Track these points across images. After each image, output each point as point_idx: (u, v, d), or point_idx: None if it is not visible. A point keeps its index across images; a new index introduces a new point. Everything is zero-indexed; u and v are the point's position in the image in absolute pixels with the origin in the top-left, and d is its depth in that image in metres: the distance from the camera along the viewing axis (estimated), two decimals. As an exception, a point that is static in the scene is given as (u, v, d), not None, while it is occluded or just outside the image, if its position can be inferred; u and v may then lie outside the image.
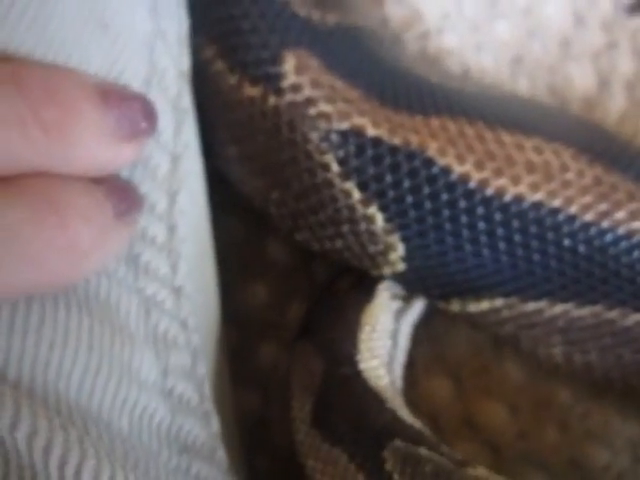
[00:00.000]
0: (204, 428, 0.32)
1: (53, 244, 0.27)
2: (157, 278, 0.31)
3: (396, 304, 0.37)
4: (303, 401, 0.34)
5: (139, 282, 0.31)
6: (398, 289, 0.37)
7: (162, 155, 0.32)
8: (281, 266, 0.41)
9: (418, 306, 0.38)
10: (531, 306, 0.35)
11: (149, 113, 0.29)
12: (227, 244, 0.38)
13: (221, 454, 0.32)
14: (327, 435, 0.33)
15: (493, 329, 0.37)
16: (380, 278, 0.36)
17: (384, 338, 0.36)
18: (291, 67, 0.33)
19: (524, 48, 0.41)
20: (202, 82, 0.34)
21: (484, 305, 0.36)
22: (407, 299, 0.37)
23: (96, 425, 0.28)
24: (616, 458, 0.39)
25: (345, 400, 0.33)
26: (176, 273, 0.32)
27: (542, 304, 0.35)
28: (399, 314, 0.37)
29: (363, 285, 0.37)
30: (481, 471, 0.30)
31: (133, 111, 0.28)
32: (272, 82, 0.33)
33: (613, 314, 0.35)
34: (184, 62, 0.33)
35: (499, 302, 0.36)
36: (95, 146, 0.27)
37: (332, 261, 0.38)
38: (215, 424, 0.32)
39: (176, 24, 0.32)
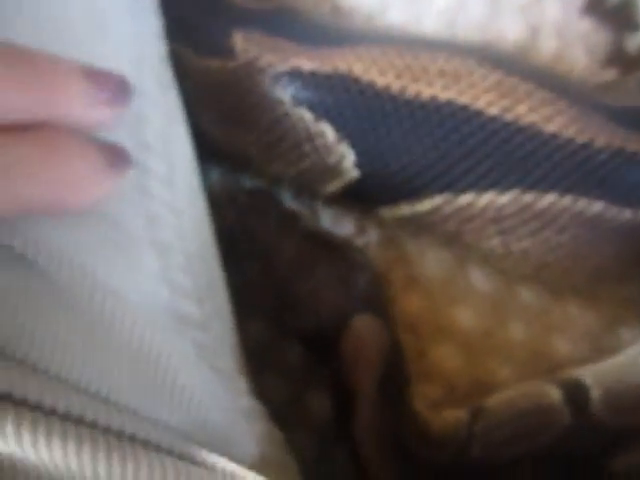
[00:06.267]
0: (198, 308, 0.38)
1: (56, 176, 0.33)
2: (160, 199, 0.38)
3: None
4: None
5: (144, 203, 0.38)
6: None
7: (154, 112, 0.39)
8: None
9: None
10: (463, 200, 0.41)
11: (123, 86, 0.36)
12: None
13: (216, 327, 0.38)
14: None
15: (440, 228, 0.42)
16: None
17: None
18: (239, 39, 0.42)
19: (458, 12, 0.48)
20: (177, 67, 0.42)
21: (427, 205, 0.42)
22: None
23: None
24: (576, 348, 0.43)
25: None
26: (175, 195, 0.39)
27: (471, 196, 0.41)
28: None
29: None
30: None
31: (110, 83, 0.35)
32: (227, 53, 0.42)
33: (529, 197, 0.40)
34: (162, 50, 0.41)
35: (438, 199, 0.41)
36: (83, 107, 0.34)
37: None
38: (208, 306, 0.38)
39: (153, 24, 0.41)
